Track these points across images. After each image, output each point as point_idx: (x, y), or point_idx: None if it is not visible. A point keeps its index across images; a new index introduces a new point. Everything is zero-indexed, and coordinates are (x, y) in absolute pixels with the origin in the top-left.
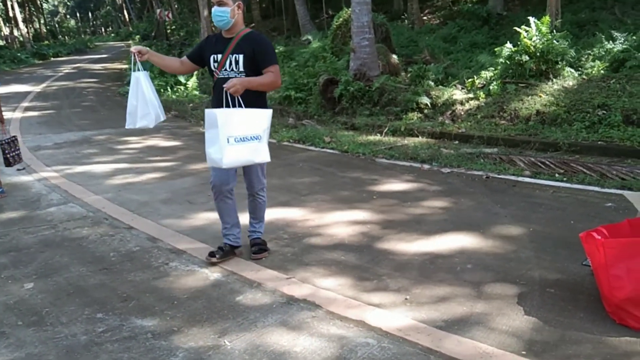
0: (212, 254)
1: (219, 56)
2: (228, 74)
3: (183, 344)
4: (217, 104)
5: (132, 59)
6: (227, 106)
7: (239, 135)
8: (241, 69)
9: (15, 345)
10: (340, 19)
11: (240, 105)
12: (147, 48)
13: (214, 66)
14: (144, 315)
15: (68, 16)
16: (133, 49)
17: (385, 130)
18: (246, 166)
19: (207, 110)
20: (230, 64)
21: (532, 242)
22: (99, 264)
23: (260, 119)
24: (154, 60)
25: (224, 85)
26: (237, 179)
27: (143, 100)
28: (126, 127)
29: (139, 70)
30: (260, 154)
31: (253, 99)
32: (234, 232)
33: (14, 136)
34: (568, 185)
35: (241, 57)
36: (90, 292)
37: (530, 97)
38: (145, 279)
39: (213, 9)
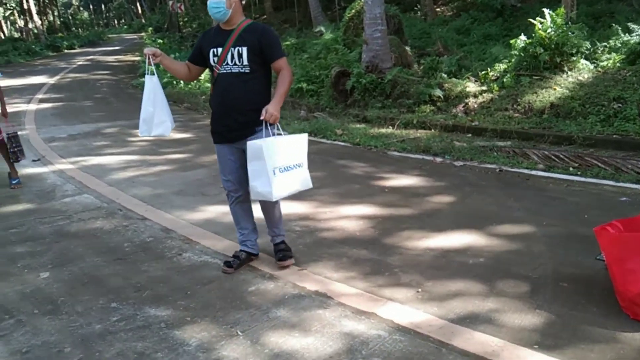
0: (228, 264)
1: (219, 50)
2: (230, 69)
3: (196, 334)
4: (223, 100)
5: (146, 62)
6: (215, 101)
7: (284, 165)
8: (245, 62)
9: (31, 333)
10: (353, 11)
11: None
12: (160, 50)
13: (213, 61)
14: (158, 305)
15: (81, 8)
16: (147, 50)
17: (397, 123)
18: None
19: (249, 143)
20: (233, 57)
21: (545, 236)
22: (113, 254)
23: (301, 144)
24: (165, 64)
25: (262, 118)
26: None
27: (161, 107)
28: (140, 134)
29: (153, 73)
30: (305, 180)
31: (260, 98)
32: (251, 238)
33: (15, 132)
34: (582, 179)
35: (245, 49)
36: (104, 281)
37: (544, 89)
38: (159, 269)
39: (209, 2)
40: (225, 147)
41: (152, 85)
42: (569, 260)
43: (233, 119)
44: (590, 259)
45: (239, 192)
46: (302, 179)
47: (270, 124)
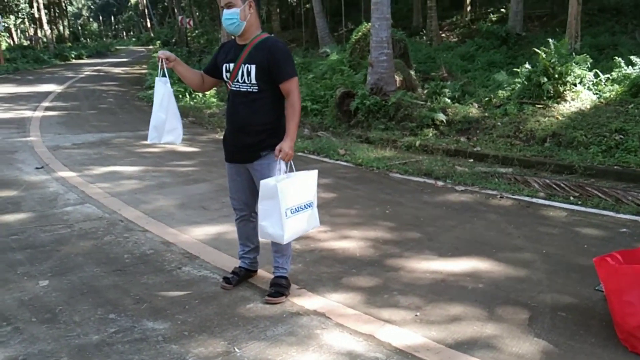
0: (227, 281)
1: (231, 65)
2: (240, 87)
3: (193, 349)
4: (231, 119)
5: (158, 65)
6: (227, 118)
7: (295, 206)
8: (253, 81)
9: (28, 342)
10: (360, 33)
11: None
12: (174, 55)
13: (226, 77)
14: (156, 318)
15: (91, 19)
16: (161, 54)
17: (400, 145)
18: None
19: (262, 182)
20: (242, 75)
21: (544, 264)
22: (112, 265)
23: (311, 182)
24: (179, 70)
25: (276, 156)
26: (256, 198)
27: (172, 114)
28: (149, 141)
29: (164, 76)
30: (314, 221)
31: (268, 119)
32: (250, 255)
33: None
34: (583, 208)
35: (253, 67)
36: (103, 292)
37: (547, 118)
38: (158, 282)
39: (223, 14)
40: (233, 166)
41: (164, 90)
42: (568, 289)
43: (240, 139)
44: (589, 289)
45: (244, 212)
46: (311, 218)
47: (285, 162)
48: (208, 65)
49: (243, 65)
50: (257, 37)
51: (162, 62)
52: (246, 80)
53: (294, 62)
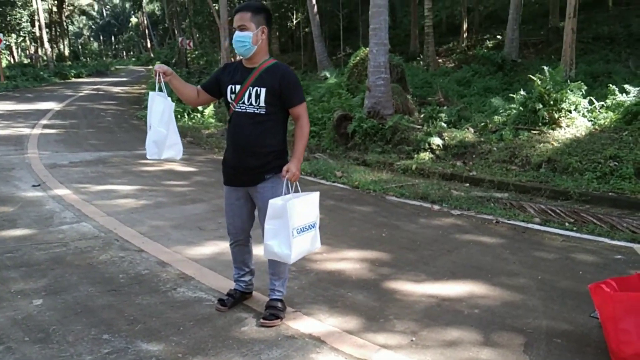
0: (222, 303)
1: (237, 87)
2: (246, 108)
3: None
4: (234, 140)
5: (155, 79)
6: (228, 140)
7: (301, 226)
8: (262, 103)
9: None
10: (357, 58)
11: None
12: (171, 69)
13: (231, 98)
14: (150, 340)
15: (91, 38)
16: (157, 67)
17: (396, 169)
18: (259, 213)
19: (271, 201)
20: (250, 96)
21: (540, 290)
22: (107, 285)
23: (314, 203)
24: (174, 85)
25: (283, 175)
26: (253, 223)
27: (173, 129)
28: (149, 157)
29: (161, 90)
30: (316, 241)
31: (273, 141)
32: (246, 279)
33: None
34: (578, 235)
35: (263, 90)
36: (97, 312)
37: (542, 144)
38: (153, 303)
39: (234, 35)
40: (233, 190)
41: (164, 105)
42: (563, 315)
43: (244, 161)
44: (584, 316)
45: (240, 236)
46: (314, 239)
47: (291, 183)
48: (207, 81)
49: (251, 87)
50: (267, 62)
51: (159, 75)
52: (253, 102)
53: (302, 88)
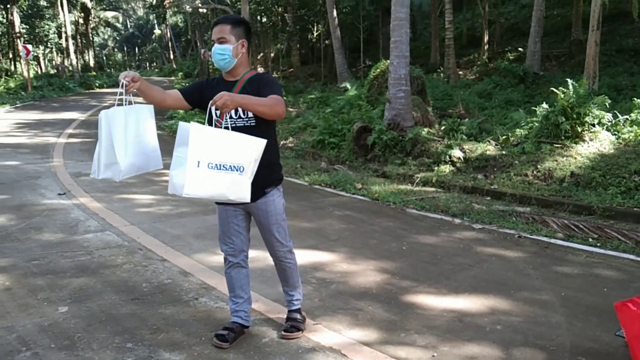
0: (222, 338)
1: None
2: (235, 122)
3: None
4: None
5: (122, 90)
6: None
7: (215, 162)
8: (250, 114)
9: None
10: (378, 70)
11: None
12: (139, 75)
13: (216, 114)
14: (172, 349)
15: (116, 49)
16: (122, 75)
17: (416, 181)
18: (260, 229)
19: (181, 123)
20: (237, 111)
21: (563, 306)
22: (131, 294)
23: (249, 146)
24: (142, 89)
25: (213, 102)
26: (249, 243)
27: (109, 144)
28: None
29: (128, 103)
30: (239, 190)
31: (268, 154)
32: (244, 308)
33: None
34: (602, 251)
35: None
36: (121, 320)
37: (565, 158)
38: (175, 312)
39: (213, 48)
40: (228, 209)
41: (111, 119)
42: (588, 333)
43: None
44: (609, 335)
45: (237, 258)
46: (236, 186)
47: (217, 108)
48: (189, 88)
49: None
50: (249, 73)
51: (123, 85)
52: (242, 115)
53: (282, 91)
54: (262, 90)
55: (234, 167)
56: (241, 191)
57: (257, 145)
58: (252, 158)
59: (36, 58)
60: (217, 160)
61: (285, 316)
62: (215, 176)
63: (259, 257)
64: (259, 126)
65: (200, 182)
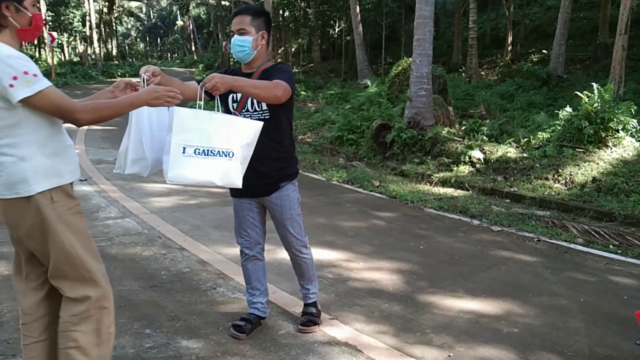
0: (239, 329)
1: (239, 95)
2: (250, 116)
3: None
4: None
5: (142, 86)
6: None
7: (203, 147)
8: (264, 107)
9: None
10: (400, 68)
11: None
12: (159, 69)
13: (233, 107)
14: (190, 337)
15: (138, 40)
16: (143, 70)
17: (435, 181)
18: (275, 223)
19: (172, 108)
20: (253, 103)
21: (582, 312)
22: (150, 281)
23: (240, 130)
24: (162, 83)
25: (200, 85)
26: (264, 235)
27: (138, 140)
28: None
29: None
30: (227, 176)
31: (283, 146)
32: (261, 300)
33: None
34: (623, 258)
35: None
36: (140, 307)
37: (587, 163)
38: (193, 300)
39: (232, 39)
40: (244, 201)
41: (138, 117)
42: (607, 341)
43: (254, 170)
44: (629, 343)
45: (253, 251)
46: (224, 171)
47: (205, 90)
48: None
49: None
50: (265, 64)
51: (144, 80)
52: (257, 108)
53: (295, 81)
54: (272, 78)
55: (223, 152)
56: (230, 177)
57: (249, 128)
58: (244, 142)
59: (60, 45)
60: (205, 145)
61: (301, 309)
62: (201, 162)
63: (276, 250)
64: (273, 119)
65: (186, 168)
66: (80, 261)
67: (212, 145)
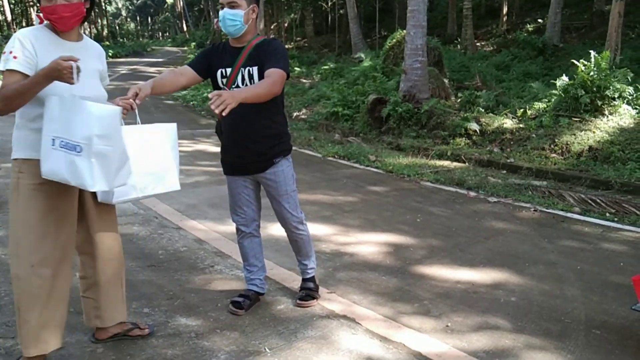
0: (238, 305)
1: (228, 70)
2: None
3: (225, 347)
4: (235, 128)
5: (135, 112)
6: (224, 128)
7: (65, 138)
8: (257, 81)
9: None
10: (394, 40)
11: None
12: (141, 84)
13: (222, 82)
14: (189, 315)
15: (129, 19)
16: (132, 92)
17: (431, 154)
18: (271, 199)
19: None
20: (243, 78)
21: (579, 280)
22: (147, 260)
23: (93, 116)
24: (157, 91)
25: (209, 103)
26: (260, 212)
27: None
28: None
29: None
30: (75, 173)
31: (276, 123)
32: (259, 276)
33: None
34: (619, 225)
35: (255, 69)
36: (138, 286)
37: (583, 132)
38: (191, 279)
39: (222, 12)
40: (238, 179)
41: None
42: (603, 307)
43: (247, 148)
44: (625, 308)
45: (249, 228)
46: (72, 169)
47: (217, 108)
48: (197, 60)
49: (243, 68)
50: (256, 39)
51: (134, 108)
52: (248, 84)
53: (288, 63)
54: (267, 60)
55: (72, 145)
56: (78, 175)
57: (105, 113)
58: (93, 134)
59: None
60: (66, 137)
61: (299, 285)
62: (60, 156)
63: (273, 226)
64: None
65: (53, 161)
66: (13, 231)
67: (67, 136)
